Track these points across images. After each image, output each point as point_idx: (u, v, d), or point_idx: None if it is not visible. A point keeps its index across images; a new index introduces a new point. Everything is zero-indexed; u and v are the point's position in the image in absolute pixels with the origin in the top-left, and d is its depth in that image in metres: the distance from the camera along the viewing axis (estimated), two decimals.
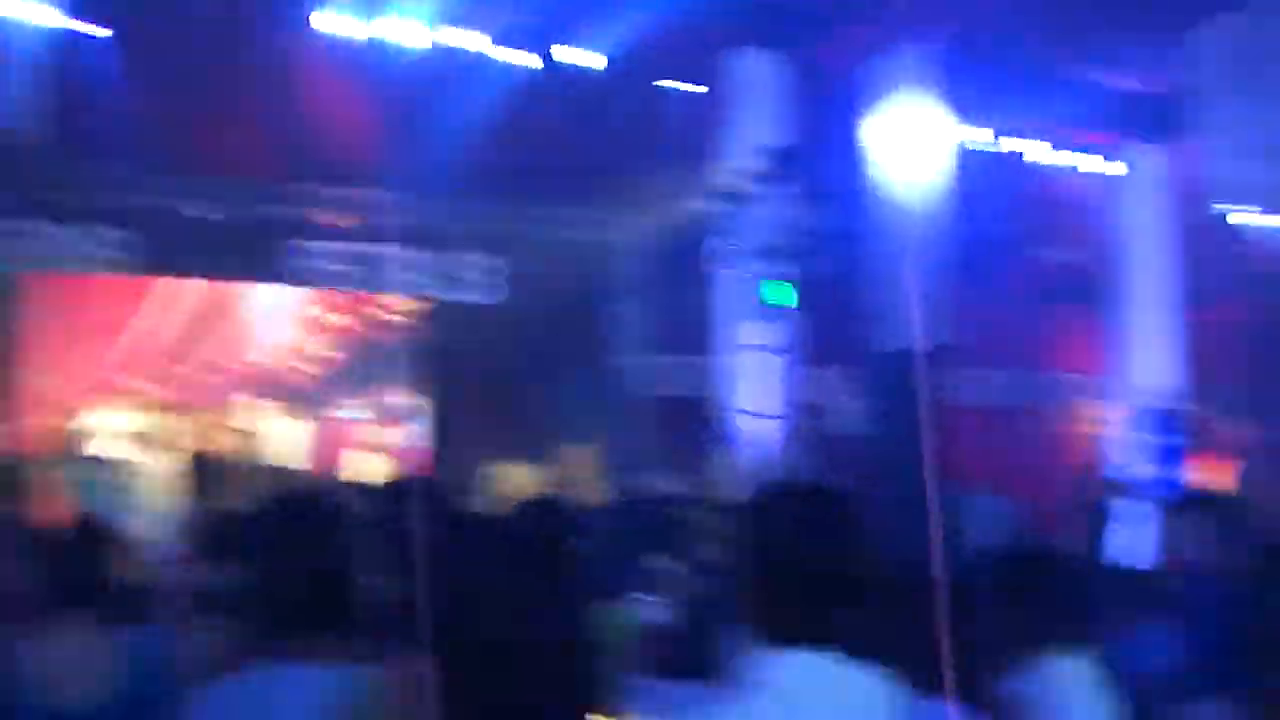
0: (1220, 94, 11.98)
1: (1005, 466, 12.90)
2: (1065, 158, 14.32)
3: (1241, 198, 12.85)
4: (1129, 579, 7.39)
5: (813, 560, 2.59)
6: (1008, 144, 13.72)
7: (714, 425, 11.34)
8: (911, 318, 10.72)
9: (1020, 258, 15.22)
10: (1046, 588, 3.39)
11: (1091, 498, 12.32)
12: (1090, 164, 14.40)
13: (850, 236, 11.21)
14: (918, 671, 3.36)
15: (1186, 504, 6.88)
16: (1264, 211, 15.20)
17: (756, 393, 10.99)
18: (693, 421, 11.84)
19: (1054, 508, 13.16)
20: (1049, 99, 13.02)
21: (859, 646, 3.26)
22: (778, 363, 10.93)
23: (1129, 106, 13.75)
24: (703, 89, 11.96)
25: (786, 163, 10.23)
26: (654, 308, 14.12)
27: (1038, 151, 14.10)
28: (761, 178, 10.25)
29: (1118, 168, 14.24)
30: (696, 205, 11.89)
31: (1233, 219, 14.53)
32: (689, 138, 11.65)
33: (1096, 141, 14.26)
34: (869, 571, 2.72)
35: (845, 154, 11.47)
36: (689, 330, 12.39)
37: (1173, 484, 11.96)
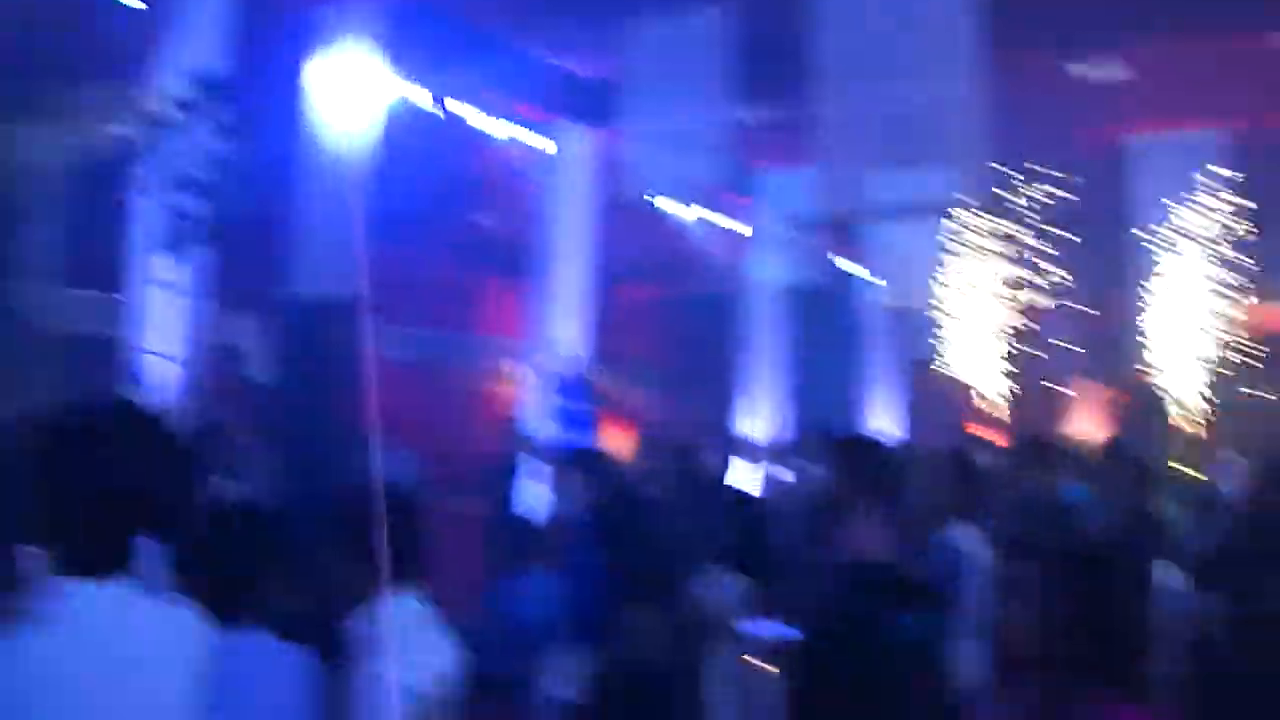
0: (648, 86, 12.59)
1: (421, 421, 13.08)
2: (502, 128, 14.58)
3: (661, 185, 13.58)
4: (516, 529, 7.68)
5: (106, 485, 2.38)
6: (448, 107, 13.81)
7: (119, 365, 10.73)
8: (335, 267, 10.64)
9: (450, 219, 15.44)
10: (387, 529, 3.37)
11: (501, 454, 12.70)
12: (526, 137, 14.74)
13: (277, 178, 10.95)
14: (245, 606, 3.30)
15: (569, 461, 7.21)
16: (680, 200, 16.24)
17: (166, 333, 10.48)
18: (97, 360, 11.16)
19: (466, 462, 13.46)
20: (492, 68, 13.26)
21: (181, 581, 3.15)
22: (190, 303, 10.48)
23: (566, 86, 14.22)
24: (139, 4, 11.27)
25: (218, 93, 9.79)
26: (63, 235, 13.22)
27: (476, 118, 14.30)
28: (189, 105, 9.75)
29: (551, 143, 14.64)
30: (118, 127, 11.20)
31: (653, 204, 15.36)
32: (118, 54, 10.95)
33: (533, 116, 14.61)
34: (184, 500, 2.56)
35: (282, 93, 11.19)
36: (100, 263, 11.64)
37: (577, 444, 12.51)
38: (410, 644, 3.22)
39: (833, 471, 4.94)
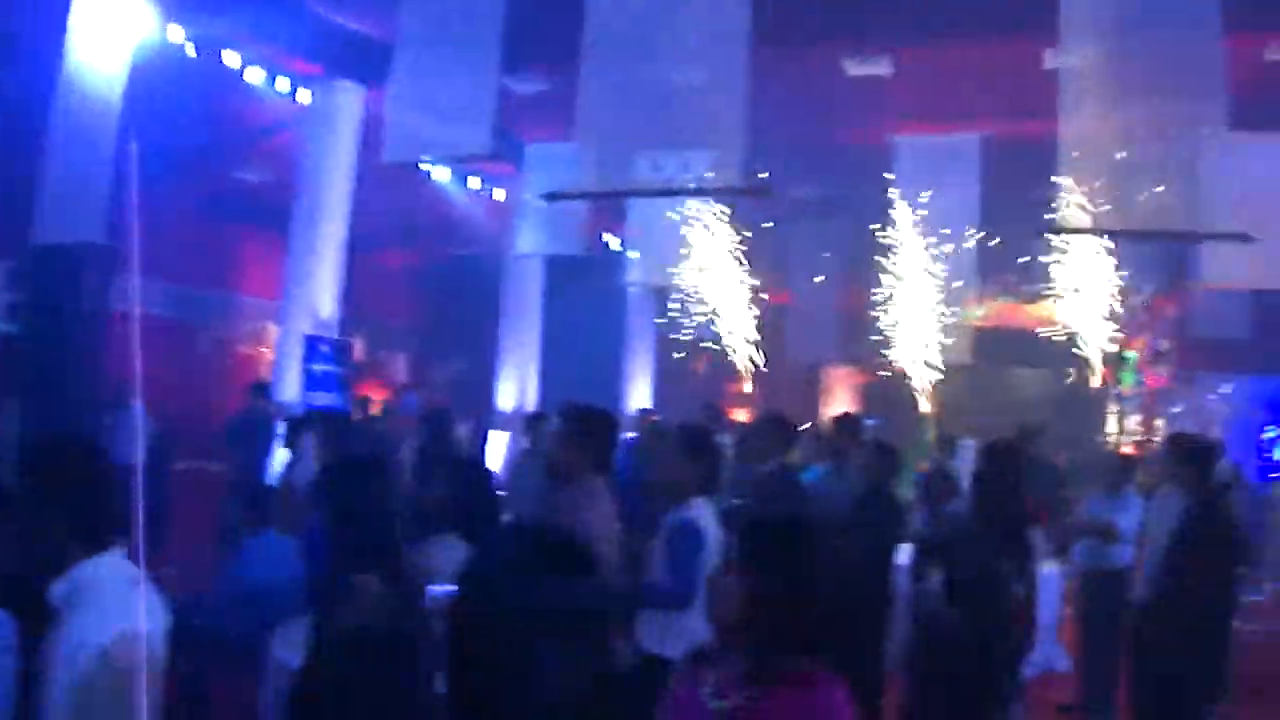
0: (420, 48, 12.42)
1: (168, 378, 12.71)
2: (270, 80, 14.15)
3: (427, 149, 13.40)
4: (253, 490, 7.54)
5: None
6: (213, 55, 13.32)
7: None
8: (85, 215, 10.23)
9: (210, 171, 14.99)
10: (102, 486, 3.25)
11: (246, 414, 12.44)
12: (292, 90, 14.35)
13: (25, 117, 10.48)
14: None
15: (307, 422, 7.14)
16: (444, 165, 16.14)
17: None
18: None
19: (210, 421, 13.14)
20: (262, 18, 12.90)
21: None
22: None
23: (337, 42, 13.90)
24: None
25: None
26: None
27: (243, 69, 13.83)
28: None
29: (317, 99, 14.29)
30: None
31: (417, 168, 15.19)
32: None
33: (303, 70, 14.25)
34: None
35: (34, 27, 10.70)
36: None
37: (318, 407, 12.33)
38: (115, 605, 3.12)
39: (559, 440, 5.03)
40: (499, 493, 6.50)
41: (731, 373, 18.91)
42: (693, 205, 15.68)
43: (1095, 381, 17.27)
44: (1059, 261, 15.87)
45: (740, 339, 17.76)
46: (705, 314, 17.25)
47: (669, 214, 15.71)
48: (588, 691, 1.88)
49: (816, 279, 18.66)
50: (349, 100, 14.19)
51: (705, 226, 16.32)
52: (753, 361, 17.98)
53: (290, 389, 13.39)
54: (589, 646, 1.90)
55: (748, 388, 18.79)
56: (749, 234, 16.93)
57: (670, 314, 17.99)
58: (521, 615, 1.85)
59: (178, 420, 12.27)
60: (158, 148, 11.40)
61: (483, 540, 4.09)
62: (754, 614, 2.80)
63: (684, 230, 16.13)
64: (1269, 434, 19.42)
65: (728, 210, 16.40)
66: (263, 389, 13.08)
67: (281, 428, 11.16)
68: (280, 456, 10.72)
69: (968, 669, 5.51)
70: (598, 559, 1.98)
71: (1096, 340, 16.62)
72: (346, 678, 3.95)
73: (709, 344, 17.99)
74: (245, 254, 17.22)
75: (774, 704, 2.76)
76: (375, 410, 15.12)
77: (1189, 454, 7.17)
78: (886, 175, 15.51)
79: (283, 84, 14.22)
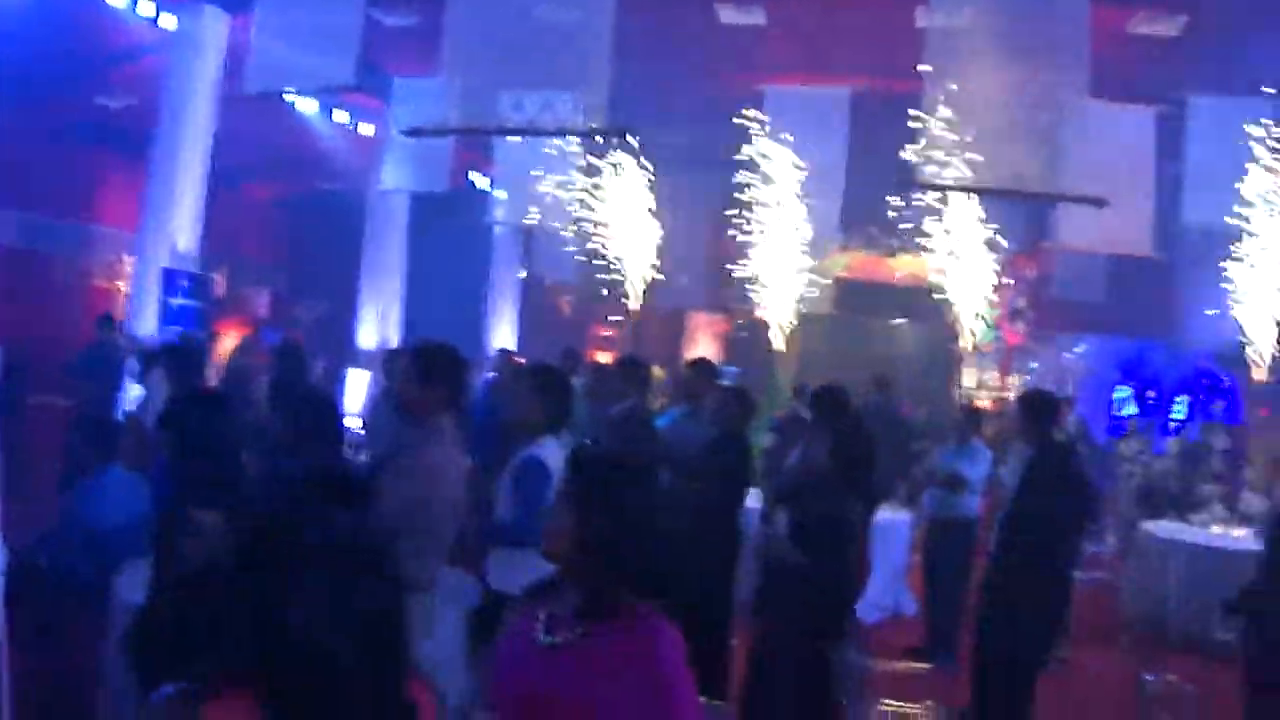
0: None
1: (15, 311, 12.40)
2: (131, 2, 13.68)
3: (292, 80, 13.14)
4: (100, 424, 7.37)
5: None
6: None
7: None
8: None
9: (64, 95, 14.54)
10: None
11: (97, 346, 12.15)
12: (155, 15, 13.90)
13: None
14: None
15: (157, 356, 7.00)
16: (309, 97, 15.86)
17: None
18: None
19: (62, 355, 12.82)
20: None
21: None
22: None
23: None
24: None
25: None
26: None
27: None
28: None
29: (182, 24, 13.86)
30: None
31: (281, 98, 14.90)
32: None
33: None
34: None
35: None
36: None
37: (170, 340, 12.10)
38: None
39: (406, 377, 5.02)
40: (350, 429, 6.45)
41: (595, 315, 18.93)
42: (570, 145, 15.60)
43: (957, 337, 17.58)
44: (923, 217, 16.10)
45: (624, 277, 17.73)
46: (571, 255, 17.21)
47: (536, 152, 15.64)
48: (356, 626, 1.90)
49: (682, 225, 18.63)
50: (213, 26, 13.79)
51: (573, 167, 16.25)
52: (621, 303, 18.01)
53: (148, 323, 13.08)
54: (355, 582, 1.92)
55: (610, 331, 18.84)
56: (619, 176, 16.94)
57: (536, 252, 17.95)
58: (283, 548, 1.87)
59: (29, 354, 11.96)
60: (12, 68, 11.08)
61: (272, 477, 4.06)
62: (583, 550, 2.83)
63: (550, 169, 16.04)
64: (1119, 394, 20.05)
65: (596, 152, 16.36)
66: (110, 322, 12.72)
67: (133, 362, 10.92)
68: (133, 391, 10.51)
69: (813, 612, 5.61)
70: (374, 495, 2.00)
71: (957, 296, 16.92)
72: (186, 615, 3.90)
73: (573, 283, 17.98)
74: (103, 182, 16.74)
75: (602, 641, 2.78)
76: (218, 346, 14.84)
77: (1035, 408, 7.33)
78: (756, 124, 15.57)
79: (146, 7, 13.76)
